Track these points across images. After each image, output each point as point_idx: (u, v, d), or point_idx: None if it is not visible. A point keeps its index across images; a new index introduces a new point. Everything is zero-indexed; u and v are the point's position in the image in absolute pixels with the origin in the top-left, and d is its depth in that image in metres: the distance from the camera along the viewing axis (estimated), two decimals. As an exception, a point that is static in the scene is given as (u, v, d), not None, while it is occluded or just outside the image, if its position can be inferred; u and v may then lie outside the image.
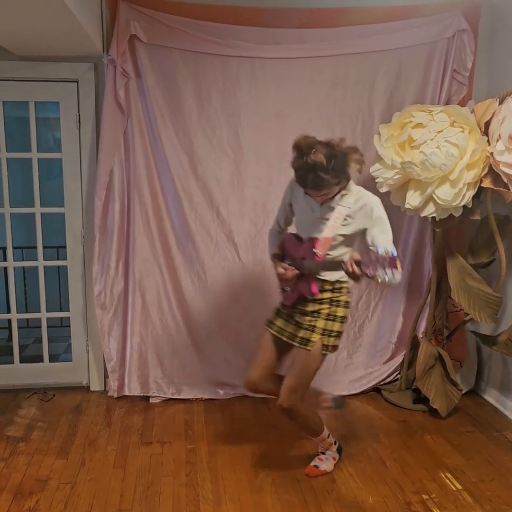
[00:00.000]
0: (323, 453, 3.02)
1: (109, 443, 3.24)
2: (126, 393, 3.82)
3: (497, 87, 3.54)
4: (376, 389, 3.97)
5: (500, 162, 3.05)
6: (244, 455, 3.12)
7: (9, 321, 4.45)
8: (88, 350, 3.94)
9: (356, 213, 2.66)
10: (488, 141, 3.17)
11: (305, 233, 2.75)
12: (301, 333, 2.74)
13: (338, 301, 2.75)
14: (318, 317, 2.73)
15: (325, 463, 2.98)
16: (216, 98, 3.57)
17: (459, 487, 2.84)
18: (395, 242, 3.85)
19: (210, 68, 3.53)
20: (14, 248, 3.90)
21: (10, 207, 3.79)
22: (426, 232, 3.85)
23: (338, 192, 2.64)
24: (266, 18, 3.48)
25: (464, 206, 3.25)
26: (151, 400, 3.79)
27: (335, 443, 3.05)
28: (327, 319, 2.73)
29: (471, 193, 3.19)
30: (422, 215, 3.28)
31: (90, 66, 3.58)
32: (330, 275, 2.71)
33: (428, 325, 3.73)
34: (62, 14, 2.61)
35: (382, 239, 2.69)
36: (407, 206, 3.27)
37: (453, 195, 3.14)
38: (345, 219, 2.66)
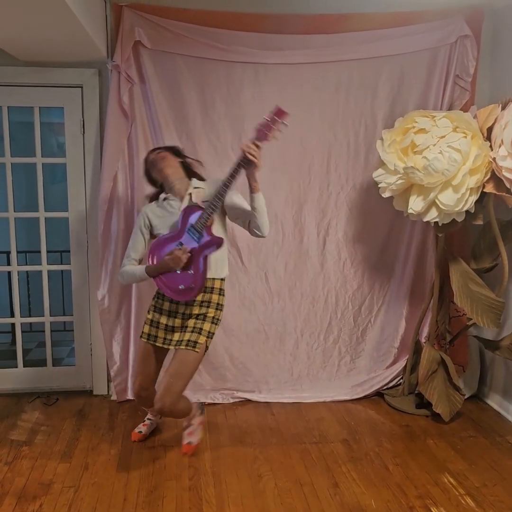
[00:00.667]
0: (190, 425, 3.13)
1: (112, 447, 3.25)
2: (129, 397, 3.82)
3: (500, 93, 3.55)
4: (378, 393, 3.97)
5: (502, 167, 3.06)
6: (247, 459, 3.12)
7: (13, 325, 4.46)
8: (91, 354, 3.95)
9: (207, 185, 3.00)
10: (490, 146, 3.18)
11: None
12: (187, 336, 2.89)
13: (221, 304, 3.00)
14: (204, 320, 2.92)
15: (196, 435, 3.12)
16: (219, 103, 3.59)
17: (462, 491, 2.83)
18: (398, 246, 3.91)
19: (214, 73, 3.55)
20: (18, 252, 3.92)
21: (14, 211, 3.81)
22: (429, 237, 3.86)
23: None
24: (269, 24, 3.50)
25: (467, 211, 3.26)
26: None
27: (198, 408, 3.21)
28: (212, 322, 2.93)
29: (473, 198, 3.19)
30: (425, 220, 3.29)
31: (94, 72, 3.60)
32: (215, 272, 2.92)
33: (430, 330, 3.73)
34: (67, 19, 2.63)
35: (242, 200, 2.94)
36: (409, 211, 3.28)
37: (455, 200, 3.14)
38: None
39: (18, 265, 3.95)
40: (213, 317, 2.94)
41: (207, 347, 2.93)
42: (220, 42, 3.49)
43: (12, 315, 4.11)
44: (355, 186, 3.79)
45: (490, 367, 3.92)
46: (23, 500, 2.72)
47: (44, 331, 4.00)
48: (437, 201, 3.18)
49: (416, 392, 3.80)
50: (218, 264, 2.94)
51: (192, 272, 2.84)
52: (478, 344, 3.85)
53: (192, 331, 2.89)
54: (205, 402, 3.78)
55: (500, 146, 3.09)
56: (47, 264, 3.92)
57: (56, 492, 2.80)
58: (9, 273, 4.00)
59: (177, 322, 2.95)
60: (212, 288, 2.94)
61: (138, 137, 3.57)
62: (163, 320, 2.98)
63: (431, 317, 3.73)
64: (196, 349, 2.85)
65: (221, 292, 2.99)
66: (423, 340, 3.81)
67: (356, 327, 3.99)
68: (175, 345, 2.93)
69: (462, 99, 3.69)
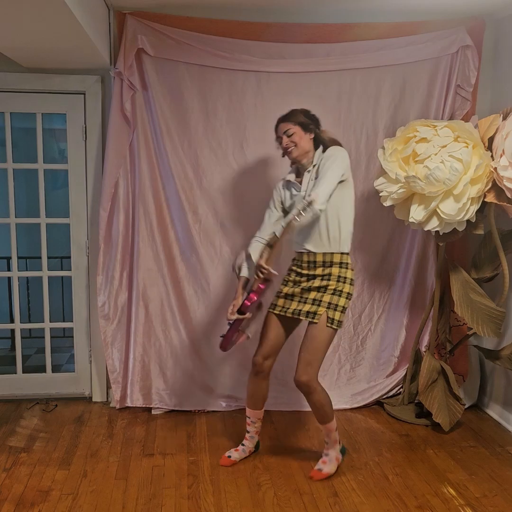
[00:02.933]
0: (327, 455, 3.05)
1: (111, 455, 3.24)
2: (129, 404, 3.81)
3: (501, 102, 3.57)
4: (378, 402, 3.96)
5: (503, 177, 3.07)
6: (246, 468, 3.11)
7: (13, 331, 4.45)
8: (91, 360, 3.94)
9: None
10: (491, 156, 3.19)
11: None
12: (307, 308, 2.92)
13: (345, 277, 2.94)
14: (325, 292, 2.92)
15: (328, 466, 3.03)
16: (221, 111, 3.60)
17: (462, 502, 2.82)
18: (399, 255, 3.91)
19: (216, 81, 3.56)
20: (18, 258, 3.92)
21: (15, 217, 3.81)
22: (430, 246, 3.86)
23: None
24: (272, 33, 3.52)
25: (468, 221, 3.26)
26: (153, 412, 3.79)
27: (339, 443, 3.08)
28: (333, 294, 2.91)
29: (474, 207, 3.20)
30: (426, 229, 3.29)
31: (97, 79, 3.61)
32: (328, 246, 2.92)
33: (431, 339, 3.73)
34: (71, 27, 2.64)
35: (318, 185, 2.80)
36: (411, 220, 3.28)
37: (457, 209, 3.15)
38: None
39: (18, 271, 3.95)
40: (335, 289, 2.91)
41: (333, 320, 2.87)
42: (223, 50, 3.50)
43: (12, 321, 4.11)
44: (356, 195, 3.76)
45: (490, 377, 3.92)
46: (21, 507, 2.71)
47: (43, 337, 4.00)
48: (438, 210, 3.18)
49: (416, 401, 3.79)
50: (334, 240, 2.91)
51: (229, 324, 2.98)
52: (478, 353, 3.85)
53: (312, 304, 2.92)
54: (198, 411, 3.78)
55: (501, 156, 3.10)
56: (48, 270, 3.92)
57: (54, 499, 2.79)
58: (9, 278, 4.00)
59: (296, 291, 2.98)
60: (331, 262, 2.92)
61: (140, 144, 3.58)
62: (285, 290, 3.03)
63: (431, 326, 3.73)
64: (315, 320, 2.88)
65: (342, 265, 2.94)
66: (423, 349, 3.81)
67: (356, 335, 3.98)
68: (292, 313, 2.97)
69: (463, 109, 3.70)
